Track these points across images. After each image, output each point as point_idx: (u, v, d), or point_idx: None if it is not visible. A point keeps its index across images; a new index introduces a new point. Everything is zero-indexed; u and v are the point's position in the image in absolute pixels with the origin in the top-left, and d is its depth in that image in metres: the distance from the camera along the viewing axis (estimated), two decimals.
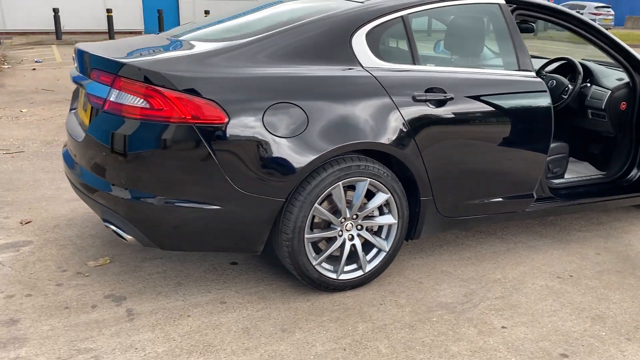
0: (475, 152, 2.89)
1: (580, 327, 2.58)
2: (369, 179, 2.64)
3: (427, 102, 2.71)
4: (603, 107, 3.61)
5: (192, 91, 2.31)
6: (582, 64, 3.82)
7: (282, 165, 2.43)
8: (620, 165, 3.70)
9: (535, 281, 3.00)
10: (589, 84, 3.77)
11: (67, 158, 2.91)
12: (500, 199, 3.10)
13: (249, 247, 2.58)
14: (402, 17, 2.79)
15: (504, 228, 3.71)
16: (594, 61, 4.06)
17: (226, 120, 2.33)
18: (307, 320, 2.53)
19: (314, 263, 2.64)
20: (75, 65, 2.89)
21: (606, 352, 2.40)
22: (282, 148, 2.42)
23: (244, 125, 2.36)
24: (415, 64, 2.79)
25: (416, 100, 2.69)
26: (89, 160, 2.56)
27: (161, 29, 18.02)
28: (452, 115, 2.78)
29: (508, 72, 3.03)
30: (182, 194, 2.38)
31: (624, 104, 3.60)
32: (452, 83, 2.80)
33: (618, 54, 3.42)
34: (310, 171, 2.50)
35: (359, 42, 2.66)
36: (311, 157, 2.45)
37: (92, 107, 2.59)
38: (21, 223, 3.47)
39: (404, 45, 2.80)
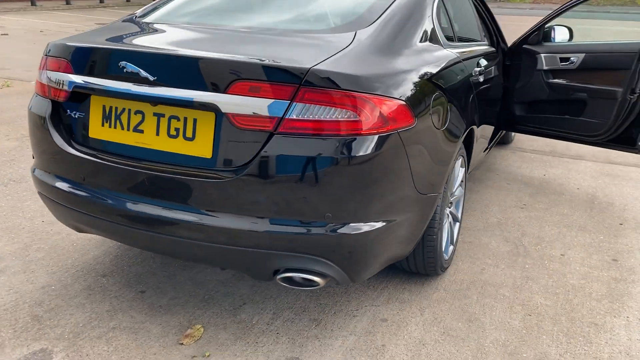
0: (482, 113, 3.27)
1: (589, 238, 3.35)
2: (461, 157, 2.77)
3: (476, 76, 2.96)
4: None
5: (391, 94, 2.02)
6: None
7: (444, 158, 2.38)
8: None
9: (515, 214, 3.65)
10: None
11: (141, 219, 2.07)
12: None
13: (404, 253, 2.41)
14: None
15: None
16: None
17: (414, 121, 2.12)
18: (470, 305, 2.57)
19: (443, 250, 2.67)
20: (127, 70, 2.00)
21: (622, 244, 3.23)
22: (442, 140, 2.36)
23: (423, 124, 2.20)
24: (456, 42, 2.95)
25: (472, 76, 2.90)
26: (258, 200, 1.93)
27: None
28: (482, 82, 3.10)
29: (488, 44, 3.48)
30: (378, 214, 2.07)
31: None
32: (479, 56, 3.10)
33: (494, 29, 4.21)
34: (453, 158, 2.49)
35: (435, 23, 2.67)
36: (458, 144, 2.47)
37: (220, 132, 1.92)
38: None
39: (448, 25, 2.92)
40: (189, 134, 1.98)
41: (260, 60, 1.90)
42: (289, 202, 1.92)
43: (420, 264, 2.59)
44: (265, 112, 1.87)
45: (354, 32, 2.22)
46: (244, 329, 2.32)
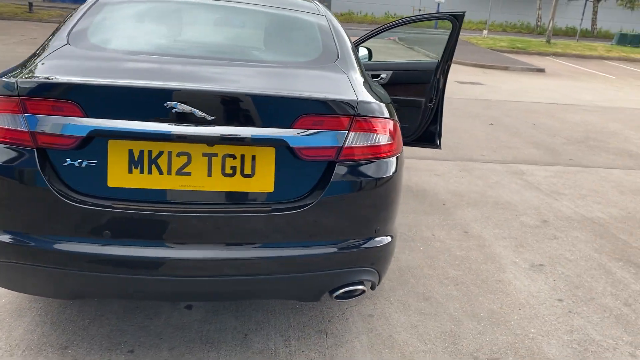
0: None
1: (436, 219, 4.21)
2: None
3: None
4: None
5: (395, 119, 2.36)
6: None
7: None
8: None
9: None
10: None
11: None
12: None
13: None
14: None
15: None
16: None
17: None
18: (416, 286, 3.07)
19: None
20: (177, 110, 1.87)
21: (458, 219, 4.17)
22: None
23: None
24: None
25: None
26: (327, 225, 2.06)
27: None
28: None
29: None
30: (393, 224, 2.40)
31: None
32: None
33: None
34: None
35: None
36: None
37: (281, 165, 2.01)
38: None
39: None
40: (247, 170, 1.97)
41: (323, 95, 2.03)
42: (352, 222, 2.10)
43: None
44: (329, 143, 2.02)
45: (336, 64, 2.45)
46: (273, 357, 2.36)
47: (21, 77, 1.92)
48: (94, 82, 1.87)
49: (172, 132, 1.87)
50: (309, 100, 2.00)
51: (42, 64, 2.09)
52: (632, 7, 32.65)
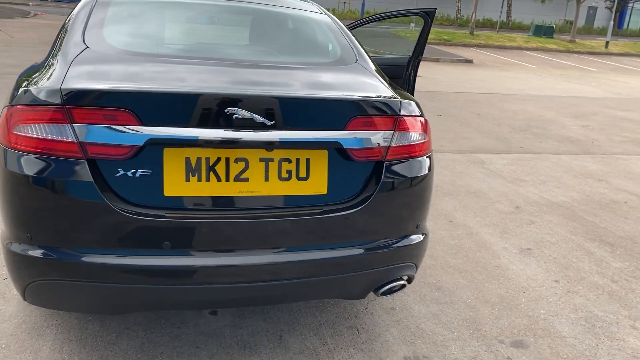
0: None
1: None
2: None
3: None
4: None
5: (424, 115, 2.45)
6: None
7: None
8: None
9: None
10: None
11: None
12: None
13: None
14: None
15: None
16: None
17: None
18: (425, 277, 3.18)
19: None
20: (237, 116, 1.85)
21: (441, 209, 4.33)
22: None
23: None
24: None
25: None
26: (379, 223, 2.11)
27: None
28: None
29: None
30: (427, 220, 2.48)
31: None
32: None
33: None
34: None
35: None
36: None
37: (333, 167, 2.03)
38: None
39: None
40: (302, 174, 1.98)
41: (373, 96, 2.06)
42: (397, 220, 2.16)
43: None
44: (378, 143, 2.06)
45: (359, 64, 2.49)
46: (315, 357, 2.38)
47: (64, 85, 1.82)
48: (152, 90, 1.81)
49: (233, 138, 1.85)
50: (360, 101, 2.02)
51: (74, 70, 1.96)
52: (543, 0, 34.62)
